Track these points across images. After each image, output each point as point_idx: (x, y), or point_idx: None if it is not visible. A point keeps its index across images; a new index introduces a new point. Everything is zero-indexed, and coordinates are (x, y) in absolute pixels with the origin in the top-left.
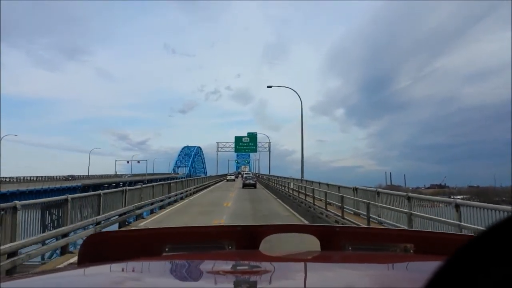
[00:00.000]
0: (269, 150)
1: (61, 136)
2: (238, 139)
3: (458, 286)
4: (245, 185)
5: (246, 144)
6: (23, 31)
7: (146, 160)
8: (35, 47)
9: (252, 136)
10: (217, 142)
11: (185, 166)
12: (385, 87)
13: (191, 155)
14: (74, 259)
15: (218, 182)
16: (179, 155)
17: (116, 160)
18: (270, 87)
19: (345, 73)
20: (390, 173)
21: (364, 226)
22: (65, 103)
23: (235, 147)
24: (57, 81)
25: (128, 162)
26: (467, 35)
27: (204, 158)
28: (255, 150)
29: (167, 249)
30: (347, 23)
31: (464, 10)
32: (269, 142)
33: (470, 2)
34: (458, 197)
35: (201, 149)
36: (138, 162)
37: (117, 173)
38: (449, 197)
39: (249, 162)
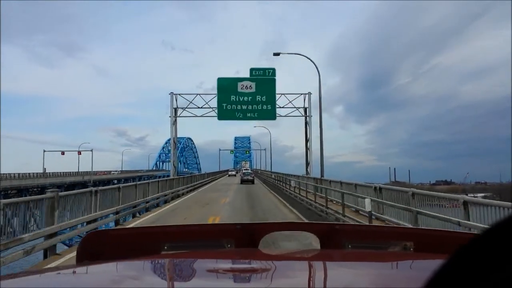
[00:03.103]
0: (321, 115)
1: (60, 134)
2: (227, 85)
3: (459, 285)
4: (243, 181)
5: (249, 99)
6: (21, 28)
7: (91, 150)
8: (32, 44)
9: (264, 78)
10: (171, 94)
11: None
12: (384, 85)
13: (179, 148)
14: None
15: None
16: (163, 148)
17: (44, 151)
18: (277, 54)
19: (344, 70)
20: (395, 168)
21: (364, 223)
22: (64, 101)
23: (219, 106)
24: (55, 78)
25: (63, 153)
26: (465, 32)
27: (197, 152)
28: (271, 116)
29: (166, 247)
30: (346, 20)
31: (462, 8)
32: (308, 94)
33: (468, 0)
34: (479, 195)
35: (192, 140)
36: (79, 153)
37: (47, 171)
38: (466, 195)
39: (250, 156)
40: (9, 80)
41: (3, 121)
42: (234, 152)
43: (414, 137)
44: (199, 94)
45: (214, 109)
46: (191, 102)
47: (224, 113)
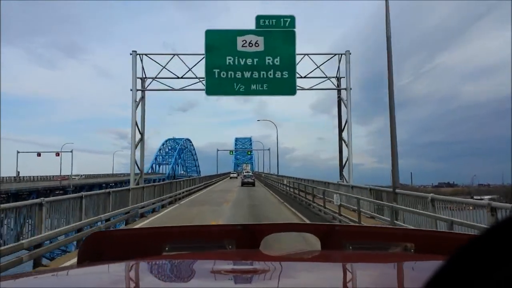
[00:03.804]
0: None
1: (61, 136)
2: (221, 42)
3: (459, 285)
4: (244, 183)
5: (255, 61)
6: (21, 28)
7: (71, 151)
8: (34, 46)
9: (277, 31)
10: (133, 54)
11: (168, 164)
12: (385, 84)
13: (177, 149)
14: None
15: None
16: (159, 149)
17: (18, 152)
18: None
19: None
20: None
21: (365, 224)
22: (64, 102)
23: (208, 74)
24: (56, 79)
25: (39, 155)
26: (467, 33)
27: (196, 154)
28: (289, 88)
29: (167, 248)
30: (348, 20)
31: (463, 9)
32: (347, 53)
33: (471, 1)
34: (486, 197)
35: (190, 142)
36: (58, 155)
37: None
38: (471, 198)
39: (251, 158)
40: (9, 80)
41: (2, 122)
42: (234, 153)
43: (415, 138)
44: (178, 55)
45: (201, 79)
46: (164, 67)
47: (215, 85)
